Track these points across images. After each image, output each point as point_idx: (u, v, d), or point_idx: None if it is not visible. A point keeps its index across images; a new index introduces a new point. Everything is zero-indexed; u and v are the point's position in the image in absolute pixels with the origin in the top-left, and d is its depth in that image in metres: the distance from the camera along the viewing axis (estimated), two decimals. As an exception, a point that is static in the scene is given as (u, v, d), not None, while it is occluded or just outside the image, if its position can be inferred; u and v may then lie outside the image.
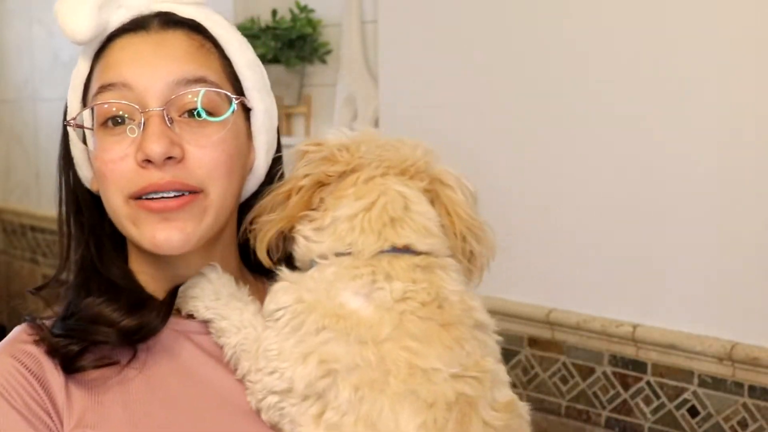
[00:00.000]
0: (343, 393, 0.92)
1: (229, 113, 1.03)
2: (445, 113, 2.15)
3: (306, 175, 1.03)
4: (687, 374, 1.81)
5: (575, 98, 1.92)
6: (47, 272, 1.09)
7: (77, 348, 1.01)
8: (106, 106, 1.01)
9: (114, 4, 1.04)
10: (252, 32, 2.64)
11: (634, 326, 1.88)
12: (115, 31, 1.05)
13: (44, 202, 3.73)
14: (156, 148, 0.97)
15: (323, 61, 2.62)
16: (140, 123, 0.99)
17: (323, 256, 1.00)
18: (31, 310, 1.09)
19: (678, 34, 1.77)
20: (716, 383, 1.77)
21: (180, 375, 1.04)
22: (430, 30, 2.19)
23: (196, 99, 1.01)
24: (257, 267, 1.09)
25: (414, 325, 0.94)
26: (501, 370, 0.99)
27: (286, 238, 1.04)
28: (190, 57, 1.03)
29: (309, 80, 2.68)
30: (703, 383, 1.79)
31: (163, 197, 0.99)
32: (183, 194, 1.00)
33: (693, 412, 1.81)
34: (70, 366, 1.01)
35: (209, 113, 1.02)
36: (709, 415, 1.79)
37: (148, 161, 0.98)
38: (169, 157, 0.98)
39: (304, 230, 1.02)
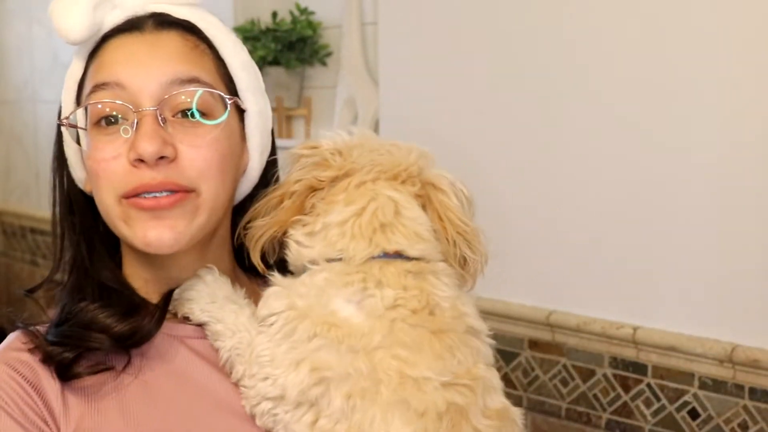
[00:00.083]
0: (336, 401, 0.92)
1: (223, 118, 1.03)
2: (445, 115, 2.15)
3: (298, 181, 1.03)
4: (687, 376, 1.81)
5: (576, 99, 1.92)
6: (60, 276, 1.11)
7: (71, 355, 1.00)
8: (99, 105, 1.01)
9: (108, 5, 1.05)
10: (252, 34, 2.64)
11: (635, 328, 1.87)
12: (109, 31, 1.05)
13: (44, 204, 3.70)
14: (148, 147, 0.97)
15: (323, 63, 2.62)
16: (133, 123, 0.99)
17: (314, 262, 1.00)
18: (29, 313, 1.08)
19: (678, 35, 1.77)
20: (717, 385, 1.77)
21: (176, 380, 1.03)
22: (430, 32, 2.19)
23: (189, 99, 1.01)
24: (252, 268, 1.09)
25: (405, 334, 0.94)
26: (493, 376, 0.99)
27: (280, 242, 1.04)
28: (184, 57, 1.03)
29: (309, 82, 2.68)
30: (703, 385, 1.79)
31: (155, 196, 0.99)
32: (175, 193, 1.00)
33: (693, 414, 1.81)
34: (65, 373, 1.00)
35: (203, 114, 1.02)
36: (709, 418, 1.78)
37: (141, 161, 0.98)
38: (162, 157, 0.98)
39: (296, 235, 1.02)
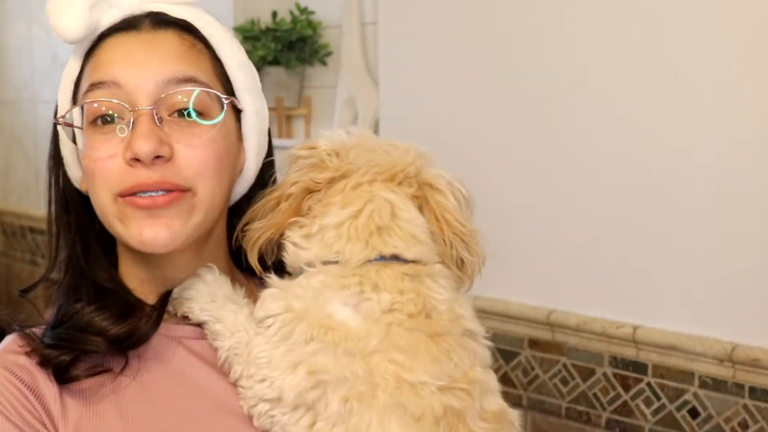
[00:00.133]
0: (333, 404, 0.92)
1: (220, 117, 1.03)
2: (445, 115, 2.15)
3: (294, 183, 1.02)
4: (687, 375, 1.81)
5: (576, 99, 1.92)
6: (56, 275, 1.10)
7: (68, 358, 1.00)
8: (95, 104, 1.01)
9: (105, 4, 1.04)
10: (252, 34, 2.64)
11: (635, 327, 1.87)
12: (106, 30, 1.05)
13: (44, 204, 3.71)
14: (144, 147, 0.97)
15: (323, 63, 2.62)
16: (129, 122, 0.99)
17: (311, 264, 0.99)
18: (26, 315, 1.08)
19: (678, 35, 1.77)
20: (717, 384, 1.77)
21: (173, 381, 1.03)
22: (430, 32, 2.19)
23: (186, 99, 1.01)
24: (250, 268, 1.08)
25: (401, 338, 0.94)
26: (490, 378, 0.99)
27: (278, 243, 1.04)
28: (180, 57, 1.03)
29: (309, 82, 2.68)
30: (703, 384, 1.79)
31: (150, 195, 0.99)
32: (171, 192, 0.99)
33: (693, 413, 1.81)
34: (62, 376, 1.00)
35: (199, 114, 1.02)
36: (709, 417, 1.79)
37: (137, 160, 0.98)
38: (158, 156, 0.98)
39: (293, 237, 1.01)
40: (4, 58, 4.01)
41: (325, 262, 0.99)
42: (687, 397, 1.82)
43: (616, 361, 1.92)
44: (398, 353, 0.93)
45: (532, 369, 2.07)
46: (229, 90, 1.07)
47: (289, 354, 0.94)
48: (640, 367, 1.88)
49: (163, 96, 1.00)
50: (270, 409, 0.96)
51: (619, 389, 1.92)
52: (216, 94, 1.03)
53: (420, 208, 1.02)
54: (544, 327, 2.03)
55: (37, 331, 1.04)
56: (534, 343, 2.06)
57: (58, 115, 1.07)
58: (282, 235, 1.03)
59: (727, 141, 1.71)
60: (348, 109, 2.47)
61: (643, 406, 1.89)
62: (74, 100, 1.06)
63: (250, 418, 0.99)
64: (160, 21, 1.05)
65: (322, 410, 0.93)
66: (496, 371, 1.02)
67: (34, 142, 3.80)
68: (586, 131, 1.91)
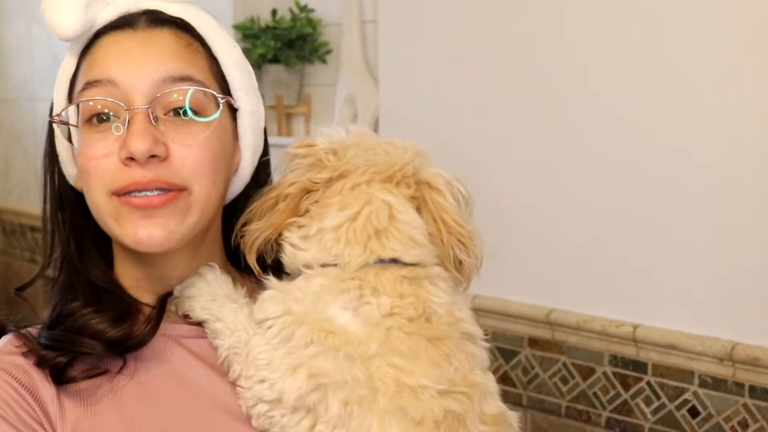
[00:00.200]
0: (333, 408, 0.92)
1: (216, 115, 1.03)
2: (445, 113, 2.15)
3: (292, 183, 1.02)
4: (687, 374, 1.81)
5: (576, 98, 1.92)
6: (48, 274, 1.09)
7: (65, 359, 1.00)
8: (91, 103, 1.01)
9: (101, 2, 1.04)
10: (252, 32, 2.64)
11: (635, 326, 1.87)
12: (102, 28, 1.05)
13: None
14: (140, 146, 0.97)
15: (323, 61, 2.61)
16: (125, 121, 0.99)
17: (309, 266, 0.99)
18: (22, 315, 1.08)
19: (678, 35, 1.77)
20: (717, 383, 1.77)
21: (172, 381, 1.03)
22: (430, 30, 2.19)
23: (182, 98, 1.01)
24: (247, 267, 1.08)
25: (401, 342, 0.94)
26: (490, 381, 0.99)
27: (277, 243, 1.04)
28: (176, 55, 1.03)
29: (309, 80, 2.68)
30: (703, 383, 1.79)
31: (146, 194, 0.99)
32: (166, 192, 0.99)
33: (693, 412, 1.81)
34: (59, 377, 1.00)
35: (195, 113, 1.02)
36: (709, 416, 1.79)
37: (132, 159, 0.98)
38: (153, 156, 0.98)
39: (291, 238, 1.01)
40: (4, 56, 4.00)
41: (324, 265, 0.99)
42: (687, 396, 1.82)
43: (616, 360, 1.92)
44: (398, 357, 0.93)
45: (532, 368, 2.07)
46: (225, 89, 1.07)
47: (289, 357, 0.94)
48: (640, 366, 1.89)
49: (158, 95, 1.00)
50: (269, 410, 0.96)
51: (619, 388, 1.92)
52: (212, 93, 1.03)
53: (418, 209, 1.02)
54: (543, 326, 2.03)
55: (33, 331, 1.04)
56: (534, 342, 2.06)
57: (54, 113, 1.07)
58: (280, 235, 1.03)
59: (727, 141, 1.71)
60: (348, 107, 2.47)
61: (643, 405, 1.89)
62: (70, 98, 1.06)
63: (248, 417, 0.99)
64: (156, 19, 1.05)
65: (322, 413, 0.93)
66: (495, 370, 1.02)
67: (34, 141, 3.80)
68: (586, 131, 1.91)
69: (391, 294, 0.96)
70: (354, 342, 0.93)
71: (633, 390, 1.90)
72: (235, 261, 1.13)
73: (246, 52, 2.81)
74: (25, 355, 1.01)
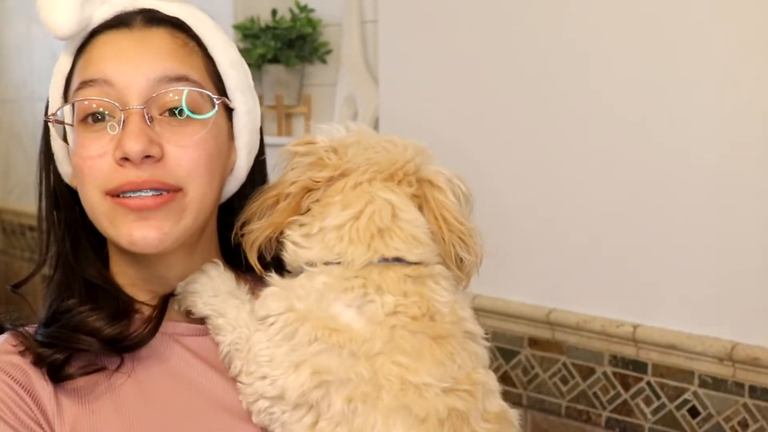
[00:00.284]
0: (336, 404, 0.92)
1: (210, 114, 1.02)
2: (445, 113, 2.15)
3: (293, 182, 1.02)
4: (687, 374, 1.81)
5: (576, 98, 1.92)
6: (46, 272, 1.09)
7: (62, 356, 1.00)
8: (86, 102, 1.00)
9: (97, 0, 1.04)
10: (252, 32, 2.64)
11: (635, 326, 1.87)
12: (97, 27, 1.04)
13: (44, 202, 3.72)
14: (134, 146, 0.97)
15: (323, 61, 2.61)
16: (120, 120, 0.99)
17: (311, 263, 0.99)
18: (18, 314, 1.08)
19: (678, 35, 1.77)
20: (717, 383, 1.77)
21: (170, 378, 1.03)
22: (430, 30, 2.19)
23: (177, 97, 1.00)
24: (246, 265, 1.08)
25: (405, 340, 0.94)
26: (491, 379, 1.00)
27: (277, 241, 1.04)
28: (172, 55, 1.03)
29: (309, 80, 2.68)
30: (703, 383, 1.79)
31: (140, 195, 0.99)
32: (161, 193, 0.99)
33: (693, 412, 1.81)
34: (57, 375, 1.00)
35: (191, 112, 1.01)
36: (709, 416, 1.79)
37: (127, 159, 0.98)
38: (148, 156, 0.98)
39: (293, 236, 1.01)
40: (4, 56, 4.01)
41: (327, 263, 0.99)
42: (687, 396, 1.82)
43: (616, 360, 1.92)
44: (402, 355, 0.93)
45: (532, 368, 2.07)
46: (220, 89, 1.07)
47: (291, 353, 0.94)
48: (640, 366, 1.89)
49: (154, 95, 1.00)
50: (270, 406, 0.96)
51: (619, 388, 1.92)
52: (208, 94, 1.03)
53: (420, 208, 1.02)
54: (543, 326, 2.03)
55: (30, 329, 1.04)
56: (534, 342, 2.06)
57: (49, 112, 1.07)
58: (281, 233, 1.03)
59: (727, 141, 1.71)
60: (348, 107, 2.47)
61: (642, 405, 1.89)
62: (65, 97, 1.06)
63: (248, 414, 0.99)
64: (152, 18, 1.05)
65: (324, 410, 0.93)
66: (496, 370, 1.03)
67: (34, 141, 3.79)
68: (586, 131, 1.91)
69: (395, 292, 0.96)
70: (358, 340, 0.93)
71: (633, 390, 1.90)
72: (231, 259, 1.13)
73: (246, 52, 2.82)
74: (22, 353, 1.01)
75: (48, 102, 1.09)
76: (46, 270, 1.11)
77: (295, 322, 0.95)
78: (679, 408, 1.83)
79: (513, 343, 2.08)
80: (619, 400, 1.93)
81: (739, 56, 1.69)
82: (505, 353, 2.10)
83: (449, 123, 2.14)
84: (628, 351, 1.90)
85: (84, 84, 1.01)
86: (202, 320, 1.06)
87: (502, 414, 0.98)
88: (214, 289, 1.04)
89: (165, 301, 1.07)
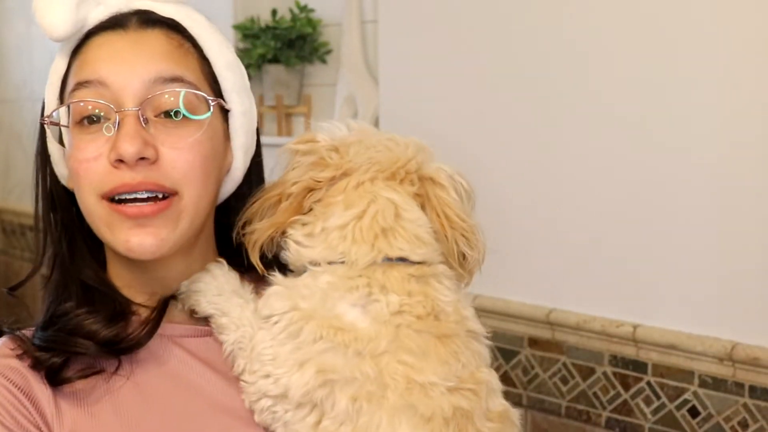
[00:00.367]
0: (341, 403, 0.92)
1: (206, 116, 1.02)
2: (445, 113, 2.15)
3: (295, 183, 1.02)
4: (687, 374, 1.81)
5: (576, 98, 1.92)
6: (46, 272, 1.10)
7: (60, 360, 1.00)
8: (81, 104, 1.00)
9: (92, 1, 1.04)
10: (252, 32, 2.64)
11: (635, 326, 1.87)
12: (93, 28, 1.04)
13: (43, 202, 3.73)
14: (129, 148, 0.96)
15: (323, 61, 2.61)
16: (115, 122, 0.99)
17: (315, 263, 0.99)
18: (15, 318, 1.08)
19: (678, 35, 1.77)
20: (717, 383, 1.77)
21: (169, 380, 1.03)
22: (430, 30, 2.19)
23: (173, 99, 1.00)
24: (248, 265, 1.08)
25: (410, 339, 0.94)
26: (494, 378, 1.00)
27: (279, 240, 1.04)
28: (167, 56, 1.02)
29: (309, 80, 2.68)
30: (703, 383, 1.79)
31: (136, 198, 0.99)
32: (156, 197, 0.99)
33: (693, 412, 1.81)
34: (55, 378, 1.00)
35: (188, 112, 1.01)
36: (709, 416, 1.79)
37: (121, 161, 0.97)
38: (143, 158, 0.97)
39: (295, 235, 1.01)
40: (4, 56, 4.01)
41: (330, 262, 0.99)
42: (687, 396, 1.82)
43: (615, 360, 1.92)
44: (408, 354, 0.94)
45: (532, 368, 2.07)
46: (216, 90, 1.06)
47: (296, 352, 0.94)
48: (639, 366, 1.89)
49: (150, 96, 1.00)
50: (272, 405, 0.96)
51: (619, 388, 1.92)
52: (203, 96, 1.03)
53: (422, 206, 1.02)
54: (543, 326, 2.03)
55: (28, 333, 1.04)
56: (534, 342, 2.06)
57: (45, 114, 1.07)
58: (283, 233, 1.03)
59: (727, 141, 1.71)
60: (348, 107, 2.47)
61: (642, 405, 1.89)
62: (61, 98, 1.06)
63: (248, 415, 0.99)
64: (147, 20, 1.05)
65: (328, 409, 0.93)
66: (496, 370, 1.03)
67: (34, 141, 3.73)
68: (586, 131, 1.91)
69: (399, 292, 0.96)
70: (363, 339, 0.93)
71: (633, 390, 1.90)
72: (229, 259, 1.13)
73: (246, 52, 2.81)
74: (20, 357, 1.01)
75: (44, 103, 1.09)
76: (45, 271, 1.11)
77: (299, 320, 0.95)
78: (679, 408, 1.84)
79: (513, 343, 2.09)
80: (619, 400, 1.93)
81: (739, 56, 1.69)
82: (505, 353, 2.10)
83: (449, 123, 2.14)
84: (628, 351, 1.90)
85: (79, 85, 1.01)
86: (205, 320, 1.06)
87: (504, 413, 0.99)
88: (217, 288, 1.04)
89: (164, 304, 1.07)
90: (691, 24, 1.74)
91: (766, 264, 1.69)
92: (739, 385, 1.75)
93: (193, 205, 1.02)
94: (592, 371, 1.96)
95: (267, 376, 0.96)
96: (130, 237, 0.99)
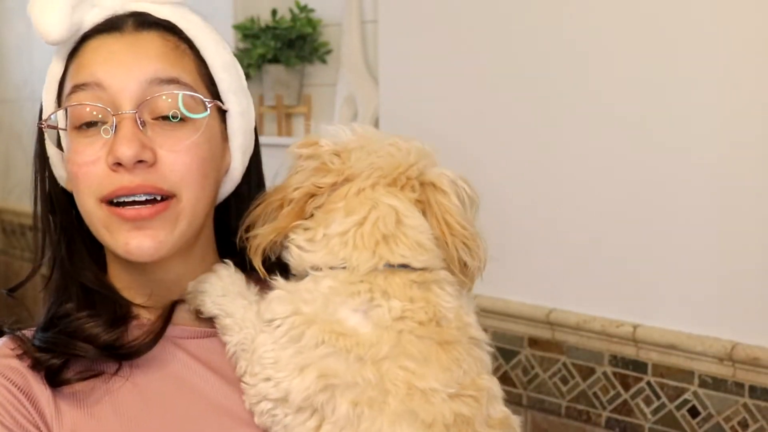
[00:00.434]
0: (341, 408, 0.92)
1: (202, 115, 1.02)
2: (445, 113, 2.15)
3: (297, 188, 1.02)
4: (687, 374, 1.81)
5: (576, 98, 1.92)
6: (46, 273, 1.10)
7: (59, 361, 1.00)
8: (79, 106, 1.01)
9: (87, 4, 1.04)
10: (252, 32, 2.64)
11: (635, 326, 1.87)
12: (89, 31, 1.04)
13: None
14: (126, 151, 0.97)
15: (323, 61, 2.61)
16: (113, 125, 0.99)
17: (317, 267, 0.99)
18: (16, 318, 1.08)
19: (678, 35, 1.77)
20: (717, 383, 1.77)
21: (170, 382, 1.03)
22: (430, 30, 2.19)
23: (170, 101, 1.00)
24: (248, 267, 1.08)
25: (412, 345, 0.95)
26: (495, 385, 1.00)
27: (281, 244, 1.04)
28: (163, 57, 1.03)
29: (309, 80, 2.68)
30: (703, 383, 1.79)
31: (135, 201, 0.99)
32: (155, 199, 0.99)
33: (693, 412, 1.81)
34: (54, 379, 1.00)
35: (187, 112, 1.01)
36: (709, 416, 1.79)
37: (119, 164, 0.98)
38: (141, 161, 0.98)
39: (297, 240, 1.01)
40: (4, 56, 4.01)
41: (332, 267, 0.99)
42: (687, 396, 1.82)
43: (615, 360, 1.92)
44: (409, 360, 0.94)
45: (532, 368, 2.07)
46: (213, 91, 1.07)
47: (297, 356, 0.95)
48: (639, 366, 1.89)
49: (147, 99, 1.00)
50: (272, 408, 0.96)
51: (619, 388, 1.92)
52: (200, 97, 1.03)
53: (424, 212, 1.02)
54: (543, 326, 2.03)
55: (28, 333, 1.04)
56: (534, 342, 2.06)
57: (43, 117, 1.07)
58: (285, 237, 1.03)
59: (727, 141, 1.71)
60: (348, 107, 2.47)
61: (643, 405, 1.89)
62: (58, 101, 1.06)
63: (250, 418, 0.99)
64: (143, 22, 1.05)
65: (329, 414, 0.93)
66: (496, 370, 1.03)
67: (34, 141, 3.80)
68: (586, 131, 1.91)
69: (401, 298, 0.96)
70: (365, 344, 0.93)
71: (633, 390, 1.90)
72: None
73: (246, 52, 2.81)
74: (20, 357, 1.01)
75: (41, 105, 1.09)
76: (45, 271, 1.11)
77: (301, 325, 0.95)
78: (679, 408, 1.84)
79: (513, 343, 2.09)
80: (619, 400, 1.93)
81: (739, 56, 1.69)
82: (505, 353, 2.10)
83: (449, 123, 2.14)
84: (628, 351, 1.90)
85: (76, 88, 1.01)
86: (209, 322, 1.06)
87: (505, 420, 0.99)
88: (223, 289, 1.04)
89: (169, 312, 1.07)
90: (691, 24, 1.74)
91: (766, 264, 1.69)
92: (739, 385, 1.75)
93: (192, 207, 1.02)
94: (592, 371, 1.96)
95: (268, 379, 0.96)
96: (129, 239, 1.00)
